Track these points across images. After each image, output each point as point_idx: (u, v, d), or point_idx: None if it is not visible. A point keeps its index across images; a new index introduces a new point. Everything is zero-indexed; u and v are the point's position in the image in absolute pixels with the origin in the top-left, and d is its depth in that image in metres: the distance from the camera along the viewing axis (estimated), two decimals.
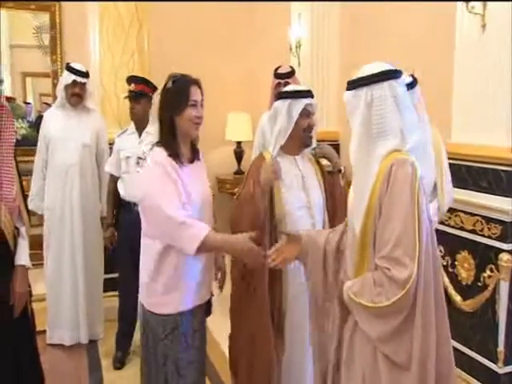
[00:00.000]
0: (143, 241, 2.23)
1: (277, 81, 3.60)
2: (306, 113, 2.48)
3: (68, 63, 3.89)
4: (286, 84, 3.43)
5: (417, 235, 1.68)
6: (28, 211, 2.33)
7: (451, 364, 1.83)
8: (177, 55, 5.38)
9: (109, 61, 4.30)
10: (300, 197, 2.50)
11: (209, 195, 2.34)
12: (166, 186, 2.07)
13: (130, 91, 3.52)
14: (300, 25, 4.81)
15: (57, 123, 3.80)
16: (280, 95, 2.57)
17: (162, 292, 2.16)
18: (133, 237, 3.33)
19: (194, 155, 2.28)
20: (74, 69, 3.77)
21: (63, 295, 3.83)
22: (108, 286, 4.31)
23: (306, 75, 4.56)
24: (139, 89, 3.50)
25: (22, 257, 2.22)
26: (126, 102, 4.29)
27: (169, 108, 2.18)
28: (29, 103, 6.01)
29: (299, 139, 2.51)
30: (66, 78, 3.78)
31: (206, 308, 2.38)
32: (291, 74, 3.66)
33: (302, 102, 2.46)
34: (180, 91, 2.17)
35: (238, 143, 5.86)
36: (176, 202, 2.06)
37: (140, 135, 3.56)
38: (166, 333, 2.16)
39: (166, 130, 2.19)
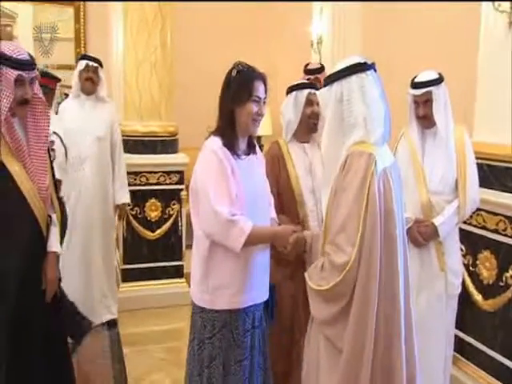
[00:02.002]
0: (195, 234, 2.16)
1: (306, 76, 3.69)
2: (309, 102, 2.69)
3: (83, 54, 4.04)
4: (316, 80, 3.53)
5: (361, 223, 1.70)
6: (60, 200, 2.38)
7: (400, 357, 1.76)
8: (199, 51, 5.42)
9: (132, 55, 4.34)
10: (307, 181, 2.70)
11: (264, 191, 2.26)
12: (218, 178, 2.03)
13: None
14: (321, 20, 4.80)
15: (72, 115, 3.82)
16: (287, 90, 2.76)
17: (214, 288, 2.11)
18: None
19: (250, 149, 2.21)
20: (87, 55, 3.94)
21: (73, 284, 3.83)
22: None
23: (327, 71, 4.55)
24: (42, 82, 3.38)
25: (54, 244, 2.28)
26: (147, 95, 4.37)
27: (230, 98, 2.10)
28: None
29: (306, 126, 2.72)
30: (80, 65, 3.87)
31: (269, 310, 2.30)
32: (321, 70, 3.80)
33: (305, 92, 2.68)
34: (243, 83, 2.09)
35: (258, 137, 5.87)
36: (226, 197, 2.01)
37: None
38: (215, 331, 2.11)
39: (224, 120, 2.13)
